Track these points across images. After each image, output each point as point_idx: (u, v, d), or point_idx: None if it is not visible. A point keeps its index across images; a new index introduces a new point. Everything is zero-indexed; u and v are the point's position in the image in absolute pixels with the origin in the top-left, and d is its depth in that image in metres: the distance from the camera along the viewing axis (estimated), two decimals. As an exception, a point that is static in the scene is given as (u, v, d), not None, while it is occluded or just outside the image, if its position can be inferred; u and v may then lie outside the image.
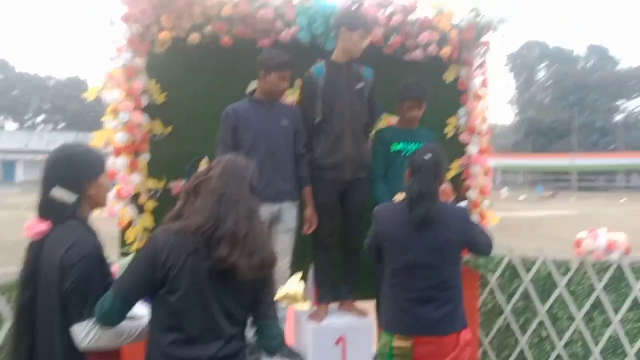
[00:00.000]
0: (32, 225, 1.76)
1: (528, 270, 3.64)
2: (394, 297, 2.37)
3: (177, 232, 1.64)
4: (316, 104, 3.15)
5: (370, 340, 3.22)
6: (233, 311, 1.68)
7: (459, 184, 3.91)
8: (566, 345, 3.50)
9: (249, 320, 1.78)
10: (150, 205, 3.33)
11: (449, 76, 3.94)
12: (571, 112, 49.12)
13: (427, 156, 2.35)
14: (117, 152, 3.19)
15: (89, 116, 49.88)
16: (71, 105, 53.55)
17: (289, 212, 3.11)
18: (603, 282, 3.39)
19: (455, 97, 3.96)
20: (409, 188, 2.35)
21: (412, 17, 3.69)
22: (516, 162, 47.86)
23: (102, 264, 1.75)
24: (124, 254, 3.19)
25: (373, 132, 3.50)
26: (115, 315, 1.64)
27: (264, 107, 3.09)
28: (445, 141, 3.85)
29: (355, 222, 3.27)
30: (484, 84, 3.94)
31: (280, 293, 1.84)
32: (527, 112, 55.20)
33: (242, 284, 1.65)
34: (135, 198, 3.28)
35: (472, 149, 3.92)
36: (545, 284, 3.60)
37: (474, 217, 3.83)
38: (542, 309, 3.57)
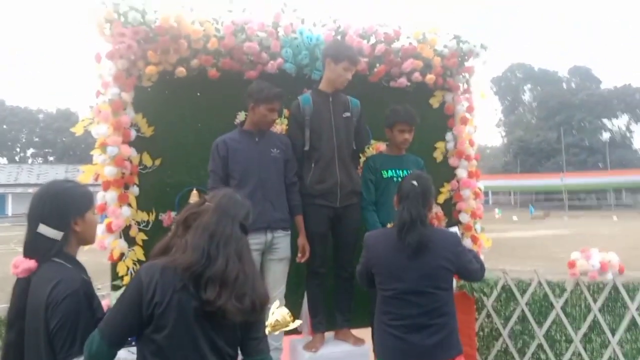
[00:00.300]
0: (19, 262, 1.73)
1: (523, 292, 3.62)
2: (387, 325, 2.35)
3: (163, 267, 1.59)
4: (304, 132, 3.18)
5: (366, 369, 3.16)
6: (222, 348, 1.62)
7: (450, 208, 3.92)
8: (565, 368, 3.46)
9: (239, 358, 1.73)
10: (141, 237, 3.30)
11: (435, 102, 3.99)
12: (558, 132, 49.86)
13: (415, 182, 2.37)
14: (107, 186, 3.17)
15: (79, 148, 49.90)
16: (61, 138, 53.54)
17: (281, 241, 3.09)
18: (599, 303, 3.38)
19: (442, 121, 4.01)
20: (399, 215, 2.36)
21: (395, 45, 3.76)
22: (507, 183, 48.30)
23: (90, 300, 1.71)
24: (116, 287, 3.14)
25: (362, 158, 3.52)
26: (105, 356, 1.59)
27: (253, 138, 3.10)
28: (434, 165, 3.88)
29: (348, 250, 3.24)
30: (469, 108, 4.00)
31: (270, 324, 1.82)
32: (515, 133, 55.96)
33: (232, 323, 1.60)
34: (125, 231, 3.24)
35: (462, 173, 3.94)
36: (541, 306, 3.58)
37: (467, 241, 3.83)
38: (539, 332, 3.54)
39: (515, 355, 3.62)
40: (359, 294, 3.20)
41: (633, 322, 3.29)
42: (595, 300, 3.40)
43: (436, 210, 3.36)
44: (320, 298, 3.23)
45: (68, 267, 1.72)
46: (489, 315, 3.72)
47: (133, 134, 3.28)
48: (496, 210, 37.01)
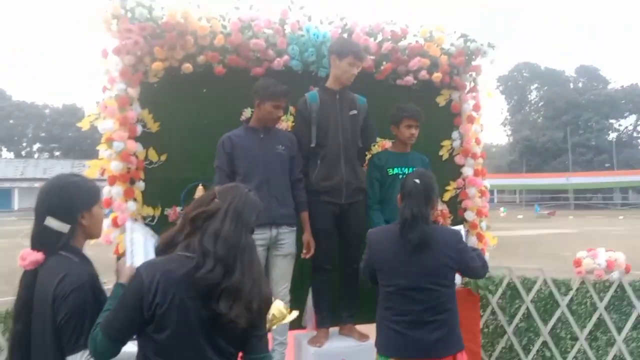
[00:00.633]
0: (26, 254, 1.75)
1: (529, 290, 3.62)
2: (388, 320, 2.37)
3: (166, 269, 1.55)
4: (310, 129, 3.19)
5: (371, 364, 3.17)
6: (225, 348, 1.61)
7: (456, 206, 3.91)
8: (570, 366, 3.45)
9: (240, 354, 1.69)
10: (146, 233, 3.31)
11: (441, 100, 3.98)
12: (564, 131, 49.60)
13: (417, 180, 2.39)
14: (112, 181, 3.19)
15: (85, 144, 50.09)
16: (67, 134, 53.76)
17: (286, 237, 3.10)
18: (605, 301, 3.37)
19: (448, 120, 4.00)
20: (401, 212, 2.38)
21: (402, 43, 3.75)
22: (513, 181, 48.10)
23: (97, 294, 1.72)
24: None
25: (368, 156, 3.52)
26: (109, 353, 1.58)
27: (258, 134, 3.11)
28: (440, 163, 3.87)
29: (353, 246, 3.25)
30: (476, 106, 3.98)
31: (268, 320, 1.80)
32: (521, 132, 55.71)
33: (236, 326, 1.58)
34: (131, 226, 3.25)
35: (468, 171, 3.93)
36: (546, 304, 3.57)
37: (472, 239, 3.82)
38: (544, 330, 3.53)
39: (520, 352, 3.62)
40: (364, 290, 3.20)
41: (639, 320, 3.28)
42: (601, 299, 3.38)
43: (442, 208, 3.36)
44: (325, 294, 3.24)
45: (75, 261, 1.74)
46: (493, 313, 3.72)
47: (139, 129, 3.29)
48: (501, 208, 36.88)
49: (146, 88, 3.34)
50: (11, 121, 54.67)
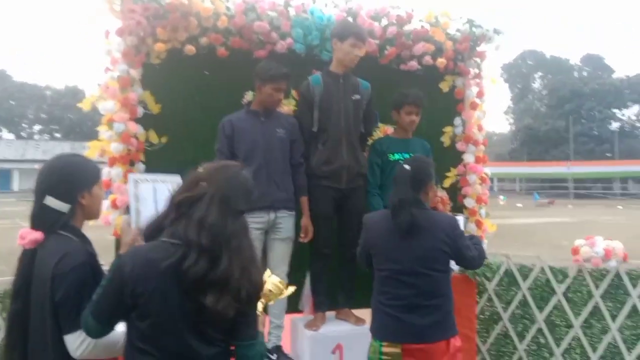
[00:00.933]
0: (26, 233, 1.74)
1: (525, 277, 3.64)
2: (382, 304, 2.39)
3: (149, 258, 1.49)
4: (313, 113, 3.18)
5: (367, 348, 3.19)
6: (211, 334, 1.54)
7: (456, 193, 3.91)
8: (564, 352, 3.49)
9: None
10: (146, 214, 3.32)
11: (445, 86, 3.96)
12: (567, 120, 49.39)
13: (408, 167, 2.41)
14: (112, 162, 3.19)
15: (86, 126, 49.92)
16: (68, 115, 53.57)
17: (285, 221, 3.11)
18: (601, 290, 3.39)
19: (451, 106, 3.99)
20: (390, 198, 2.42)
21: (407, 28, 3.72)
22: (513, 170, 48.04)
23: (96, 273, 1.73)
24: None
25: (370, 142, 3.52)
26: (101, 333, 1.59)
27: (259, 117, 3.10)
28: (442, 150, 3.87)
29: (352, 231, 3.25)
30: (480, 93, 3.96)
31: (263, 295, 1.76)
32: (524, 120, 55.47)
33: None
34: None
35: (469, 158, 3.93)
36: (543, 291, 3.60)
37: (471, 226, 3.83)
38: (540, 317, 3.56)
39: (515, 339, 3.65)
40: (361, 275, 3.22)
41: (634, 308, 3.30)
42: (597, 287, 3.41)
43: (442, 194, 3.37)
44: (323, 278, 3.26)
45: (74, 240, 1.74)
46: (490, 299, 3.75)
47: (140, 111, 3.28)
48: (501, 196, 36.87)
49: (148, 69, 3.32)
50: (12, 102, 54.42)
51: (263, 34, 3.42)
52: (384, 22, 3.70)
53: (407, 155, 3.29)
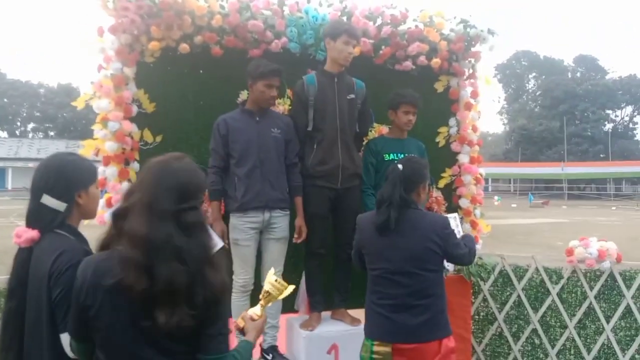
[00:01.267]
0: (21, 232, 1.72)
1: (520, 278, 3.65)
2: (374, 304, 2.39)
3: (96, 269, 1.42)
4: (307, 112, 3.17)
5: (362, 348, 3.20)
6: (168, 346, 1.41)
7: (451, 193, 3.92)
8: (559, 353, 3.50)
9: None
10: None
11: (439, 86, 3.96)
12: (561, 121, 49.67)
13: (400, 166, 2.42)
14: (107, 161, 3.17)
15: (80, 124, 49.70)
16: (62, 113, 53.26)
17: (279, 221, 3.10)
18: (595, 291, 3.41)
19: (446, 106, 3.99)
20: (377, 196, 2.43)
21: (401, 28, 3.72)
22: (507, 170, 48.25)
23: None
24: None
25: (365, 141, 3.51)
26: (83, 352, 1.52)
27: (254, 117, 3.09)
28: (436, 150, 3.87)
29: (347, 231, 3.24)
30: (474, 93, 3.97)
31: (262, 297, 1.73)
32: (518, 121, 55.72)
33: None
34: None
35: (463, 158, 3.93)
36: (537, 292, 3.61)
37: (466, 227, 3.84)
38: (534, 317, 3.57)
39: (510, 339, 3.66)
40: (357, 275, 3.22)
41: (628, 309, 3.32)
42: (591, 288, 3.42)
43: (436, 195, 3.37)
44: (318, 278, 3.26)
45: (71, 239, 1.73)
46: (485, 300, 3.76)
47: (134, 109, 3.26)
48: (495, 197, 37.04)
49: (142, 68, 3.30)
50: (5, 100, 54.05)
51: (257, 32, 3.41)
52: (379, 21, 3.70)
53: (402, 156, 3.29)
